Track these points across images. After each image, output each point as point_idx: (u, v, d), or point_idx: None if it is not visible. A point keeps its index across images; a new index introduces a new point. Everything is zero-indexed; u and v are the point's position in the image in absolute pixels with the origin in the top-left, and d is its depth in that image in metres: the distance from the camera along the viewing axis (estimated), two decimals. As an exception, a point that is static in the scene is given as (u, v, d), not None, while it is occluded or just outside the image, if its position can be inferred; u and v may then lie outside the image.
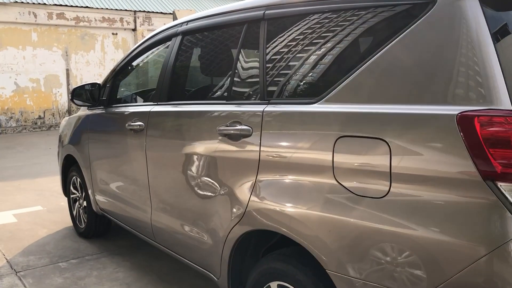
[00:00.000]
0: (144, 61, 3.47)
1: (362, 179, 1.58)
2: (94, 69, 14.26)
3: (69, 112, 13.90)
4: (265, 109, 2.00)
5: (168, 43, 2.93)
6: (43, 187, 6.11)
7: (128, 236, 4.09)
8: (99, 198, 3.66)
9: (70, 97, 3.58)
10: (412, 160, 1.46)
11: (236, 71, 2.29)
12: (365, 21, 1.74)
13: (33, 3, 12.86)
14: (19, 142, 10.90)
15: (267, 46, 2.11)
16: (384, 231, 1.51)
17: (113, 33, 14.53)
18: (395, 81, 1.57)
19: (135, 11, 14.76)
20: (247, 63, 2.26)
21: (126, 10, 14.58)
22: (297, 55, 1.99)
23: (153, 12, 15.11)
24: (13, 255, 3.75)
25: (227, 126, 2.17)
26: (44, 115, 13.59)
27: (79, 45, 13.95)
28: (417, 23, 1.55)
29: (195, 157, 2.41)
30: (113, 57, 14.53)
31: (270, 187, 1.94)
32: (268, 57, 2.09)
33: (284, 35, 2.06)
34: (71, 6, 13.51)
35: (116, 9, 14.39)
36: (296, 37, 2.01)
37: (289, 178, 1.85)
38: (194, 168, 2.43)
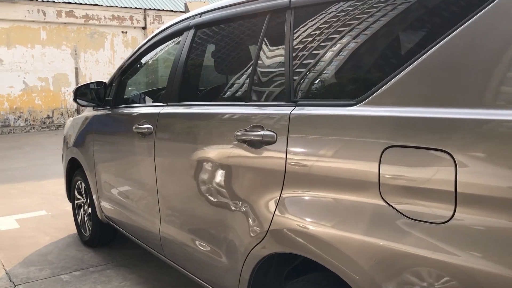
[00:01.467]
0: (153, 58, 3.20)
1: (417, 199, 1.29)
2: (104, 68, 14.06)
3: (78, 111, 13.71)
4: (292, 112, 1.71)
5: (180, 38, 2.66)
6: (48, 190, 5.88)
7: (135, 246, 3.83)
8: (105, 205, 3.40)
9: (73, 97, 3.32)
10: (484, 178, 1.17)
11: (257, 68, 2.01)
12: (420, 7, 1.45)
13: (42, 1, 12.69)
14: (26, 142, 10.72)
15: (294, 39, 1.82)
16: (445, 265, 1.22)
17: (122, 32, 14.33)
18: (459, 80, 1.27)
19: (145, 9, 14.54)
20: (270, 59, 1.97)
21: (136, 8, 14.37)
22: (331, 49, 1.70)
23: (163, 10, 14.89)
24: (13, 265, 3.50)
25: (247, 131, 1.89)
26: (53, 115, 13.42)
27: (88, 43, 13.76)
28: (486, 9, 1.25)
29: (209, 165, 2.13)
30: (123, 56, 14.32)
31: (299, 204, 1.65)
32: (295, 52, 1.81)
33: (314, 25, 1.77)
34: (80, 4, 13.32)
35: (126, 7, 14.18)
36: (329, 28, 1.72)
37: (323, 195, 1.56)
38: (208, 177, 2.15)
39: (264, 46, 1.99)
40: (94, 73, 13.88)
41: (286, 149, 1.70)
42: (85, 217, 3.89)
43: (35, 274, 3.34)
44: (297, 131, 1.68)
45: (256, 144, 1.84)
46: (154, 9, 14.72)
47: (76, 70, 13.61)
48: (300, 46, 1.80)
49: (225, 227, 2.05)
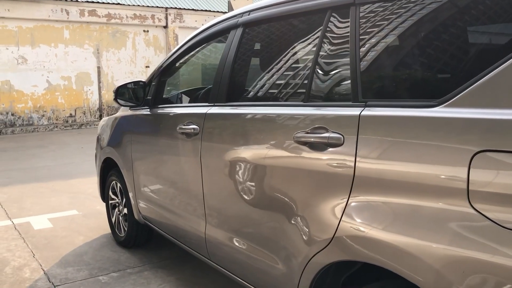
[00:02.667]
0: (195, 57, 3.14)
1: (515, 208, 1.20)
2: (125, 67, 14.12)
3: (100, 110, 13.79)
4: (362, 113, 1.63)
5: (226, 36, 2.59)
6: (77, 189, 5.88)
7: (172, 247, 3.79)
8: (142, 205, 3.36)
9: (114, 97, 3.28)
10: None
11: (317, 67, 1.93)
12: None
13: (66, 0, 12.77)
14: (51, 141, 10.80)
15: (361, 35, 1.74)
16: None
17: (144, 30, 14.36)
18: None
19: (166, 8, 14.55)
20: (332, 58, 1.90)
21: (157, 7, 14.39)
22: (405, 44, 1.62)
23: (184, 8, 14.88)
24: (50, 265, 3.48)
25: (308, 133, 1.81)
26: (75, 113, 13.51)
27: (110, 42, 13.82)
28: None
29: (262, 167, 2.06)
30: (144, 55, 14.37)
31: (371, 210, 1.57)
32: (363, 49, 1.72)
33: (385, 19, 1.69)
34: (103, 3, 13.37)
35: (148, 6, 14.21)
36: (404, 21, 1.63)
37: (399, 201, 1.48)
38: (261, 181, 2.08)
39: (324, 44, 1.92)
40: (116, 72, 13.94)
41: (356, 152, 1.62)
42: (120, 218, 3.86)
43: (73, 275, 3.31)
44: (369, 133, 1.60)
45: (319, 147, 1.76)
46: (176, 8, 14.72)
47: (98, 69, 13.68)
48: (368, 43, 1.72)
49: (281, 232, 1.98)
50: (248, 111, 2.26)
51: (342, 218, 1.66)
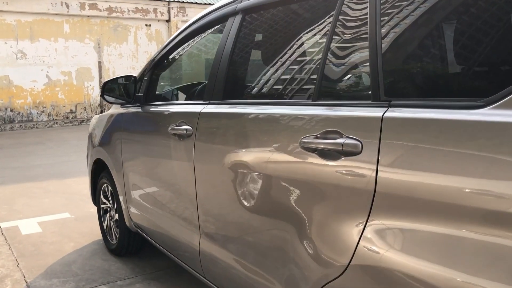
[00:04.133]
0: (190, 49, 2.84)
1: None
2: (127, 61, 13.83)
3: (101, 106, 13.52)
4: (385, 115, 1.33)
5: (223, 25, 2.29)
6: (72, 190, 5.61)
7: (167, 256, 3.50)
8: (134, 212, 3.07)
9: (100, 93, 2.98)
10: None
11: (327, 60, 1.62)
12: None
13: (66, -6, 12.50)
14: (49, 138, 10.54)
15: (384, 17, 1.43)
16: None
17: (146, 25, 14.06)
18: None
19: (169, 1, 14.23)
20: (347, 47, 1.59)
21: (160, 0, 14.07)
22: (442, 28, 1.31)
23: (187, 2, 14.56)
24: (34, 276, 3.21)
25: (318, 138, 1.51)
26: (76, 109, 13.25)
27: (111, 36, 13.53)
28: None
29: (263, 176, 1.76)
30: (146, 50, 14.07)
31: (396, 235, 1.27)
32: (386, 35, 1.42)
33: (410, 6, 1.38)
34: (104, -4, 13.10)
35: None
36: (434, 8, 1.33)
37: (432, 226, 1.18)
38: (261, 192, 1.79)
39: (337, 32, 1.61)
40: (117, 67, 13.65)
41: (377, 162, 1.31)
42: (112, 223, 3.58)
43: (58, 287, 3.03)
44: (394, 140, 1.29)
45: (331, 155, 1.46)
46: (178, 1, 14.40)
47: (99, 64, 13.40)
48: (393, 28, 1.41)
49: (285, 253, 1.68)
50: (247, 110, 1.96)
51: (360, 243, 1.36)
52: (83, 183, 5.76)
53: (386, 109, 1.34)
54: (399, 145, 1.28)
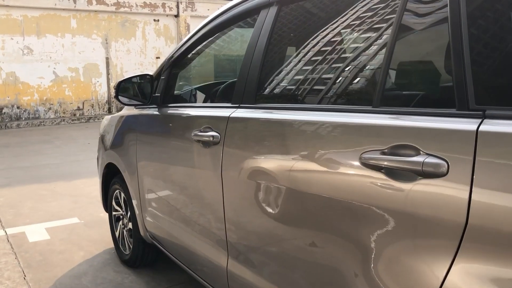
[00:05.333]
0: (215, 45, 2.58)
1: None
2: (135, 57, 13.58)
3: (109, 103, 13.29)
4: (480, 128, 1.06)
5: (255, 18, 2.02)
6: (80, 192, 5.38)
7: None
8: (150, 222, 2.82)
9: (114, 94, 2.73)
10: None
11: (394, 54, 1.35)
12: None
13: (73, -12, 12.26)
14: (57, 136, 10.33)
15: (471, 16, 1.15)
16: None
17: (154, 20, 13.79)
18: None
19: (177, -4, 13.97)
20: (418, 42, 1.32)
21: (168, -5, 13.82)
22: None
23: (197, -3, 14.28)
24: (42, 290, 2.97)
25: (384, 154, 1.25)
26: (83, 106, 13.03)
27: (119, 32, 13.28)
28: None
29: (308, 195, 1.50)
30: (155, 45, 13.82)
31: (497, 282, 1.01)
32: (473, 32, 1.14)
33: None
34: (112, -9, 12.84)
35: (158, -6, 13.65)
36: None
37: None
38: (306, 213, 1.53)
39: (403, 25, 1.34)
40: (125, 63, 13.41)
41: (471, 187, 1.05)
42: (125, 232, 3.34)
43: (68, 304, 2.80)
44: (493, 159, 1.03)
45: (405, 176, 1.19)
46: (187, -4, 14.14)
47: (107, 60, 13.17)
48: (483, 14, 1.14)
49: (339, 284, 1.42)
50: (288, 117, 1.70)
51: (446, 282, 1.10)
52: (92, 185, 5.53)
53: (480, 120, 1.07)
54: (501, 166, 1.01)
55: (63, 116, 12.71)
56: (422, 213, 1.14)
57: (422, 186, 1.15)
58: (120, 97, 2.71)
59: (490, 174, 1.03)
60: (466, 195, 1.05)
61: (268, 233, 1.74)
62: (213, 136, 2.01)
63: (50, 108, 12.54)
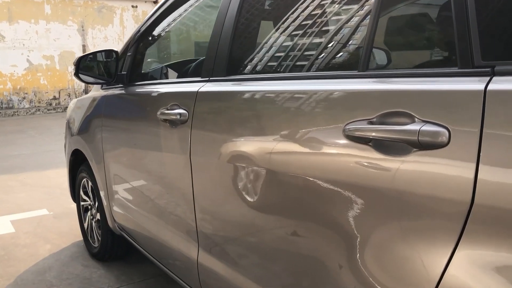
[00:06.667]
0: (183, 17, 2.35)
1: None
2: (113, 45, 13.17)
3: (86, 92, 12.91)
4: (489, 87, 0.87)
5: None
6: (52, 183, 5.12)
7: (157, 260, 3.05)
8: (118, 212, 2.61)
9: (74, 70, 2.49)
10: None
11: (380, 7, 1.15)
12: None
13: (46, -27, 11.81)
14: (31, 125, 9.97)
15: None
16: None
17: (132, 6, 13.40)
18: None
19: (156, -19, 13.61)
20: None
21: (146, -20, 13.45)
22: None
23: (175, -17, 13.91)
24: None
25: (372, 123, 1.06)
26: (59, 96, 12.64)
27: (96, 19, 12.87)
28: None
29: (286, 175, 1.31)
30: (133, 32, 13.44)
31: (508, 268, 0.83)
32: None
33: None
34: (87, -24, 12.43)
35: (136, -21, 13.27)
36: None
37: None
38: (284, 195, 1.34)
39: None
40: (102, 51, 13.01)
41: (478, 160, 0.86)
42: (93, 224, 3.11)
43: (29, 302, 2.58)
44: (505, 125, 0.84)
45: (394, 147, 1.01)
46: (166, -18, 13.76)
47: (84, 48, 12.76)
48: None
49: (323, 281, 1.24)
50: (261, 88, 1.50)
51: (445, 276, 0.92)
52: (65, 175, 5.26)
53: (488, 78, 0.88)
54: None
55: (38, 106, 12.30)
56: (419, 192, 0.96)
57: (418, 160, 0.96)
58: (81, 75, 2.47)
59: (501, 144, 0.84)
60: (471, 169, 0.87)
61: (242, 222, 1.55)
62: (180, 114, 1.80)
63: (24, 98, 12.12)
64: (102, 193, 2.76)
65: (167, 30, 2.61)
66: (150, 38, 2.53)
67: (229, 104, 1.62)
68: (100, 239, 3.02)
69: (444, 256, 0.91)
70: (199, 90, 1.74)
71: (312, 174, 1.21)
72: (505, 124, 0.83)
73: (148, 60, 2.61)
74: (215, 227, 1.73)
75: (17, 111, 11.82)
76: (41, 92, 12.34)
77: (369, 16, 1.16)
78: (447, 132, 0.91)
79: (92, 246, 3.15)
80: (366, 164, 1.06)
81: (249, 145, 1.45)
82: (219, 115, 1.66)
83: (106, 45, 13.09)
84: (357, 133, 1.07)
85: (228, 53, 1.69)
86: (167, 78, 2.58)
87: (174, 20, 2.44)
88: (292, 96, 1.34)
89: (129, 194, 2.43)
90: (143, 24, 2.42)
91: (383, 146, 1.02)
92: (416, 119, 0.97)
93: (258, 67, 1.68)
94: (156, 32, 2.53)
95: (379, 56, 1.18)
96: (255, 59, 1.71)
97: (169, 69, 2.59)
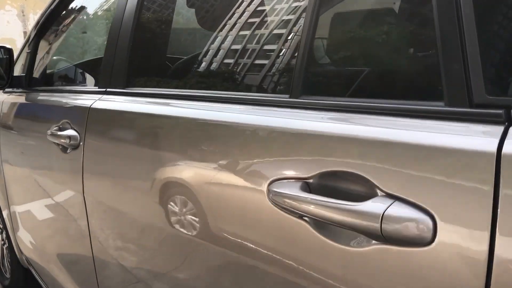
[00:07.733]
0: (93, 8, 1.90)
1: None
2: (57, 31, 12.41)
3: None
4: (505, 147, 0.48)
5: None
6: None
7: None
8: (23, 242, 2.16)
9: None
10: None
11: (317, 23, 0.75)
12: None
13: (-20, -48, 10.86)
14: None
15: None
16: None
17: (78, -11, 12.61)
18: None
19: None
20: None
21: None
22: None
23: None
24: None
25: (309, 186, 0.66)
26: (0, 87, 11.79)
27: (38, 3, 11.97)
28: None
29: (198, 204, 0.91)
30: (80, 18, 12.67)
31: None
32: None
33: None
34: (27, -45, 11.54)
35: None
36: None
37: None
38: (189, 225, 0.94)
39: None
40: (46, 38, 12.21)
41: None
42: (5, 250, 2.63)
43: None
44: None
45: (348, 235, 0.61)
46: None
47: (25, 34, 11.89)
48: None
49: None
50: (167, 110, 1.08)
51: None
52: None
53: (503, 128, 0.50)
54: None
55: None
56: None
57: (380, 259, 0.57)
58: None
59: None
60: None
61: (136, 264, 1.15)
62: (70, 137, 1.35)
63: (-41, 90, 11.22)
64: (5, 214, 2.31)
65: (81, 18, 2.15)
66: (56, 30, 2.06)
67: (125, 128, 1.20)
68: (10, 269, 2.55)
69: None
70: (92, 106, 1.30)
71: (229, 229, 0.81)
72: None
73: (54, 58, 2.13)
74: (112, 273, 1.33)
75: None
76: (-21, 83, 11.47)
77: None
78: (430, 221, 0.52)
79: (4, 277, 2.67)
80: (301, 246, 0.67)
81: (146, 183, 1.04)
82: (112, 142, 1.23)
83: (50, 31, 12.29)
84: (286, 203, 0.67)
85: (128, 60, 1.26)
86: (73, 82, 2.10)
87: (90, 4, 1.98)
88: (199, 124, 0.93)
89: (31, 222, 2.00)
90: (42, 15, 1.95)
91: (326, 228, 0.63)
92: (377, 190, 0.57)
93: (165, 78, 1.26)
94: (65, 22, 2.07)
95: (320, 79, 0.78)
96: (162, 68, 1.29)
97: (77, 70, 2.11)
